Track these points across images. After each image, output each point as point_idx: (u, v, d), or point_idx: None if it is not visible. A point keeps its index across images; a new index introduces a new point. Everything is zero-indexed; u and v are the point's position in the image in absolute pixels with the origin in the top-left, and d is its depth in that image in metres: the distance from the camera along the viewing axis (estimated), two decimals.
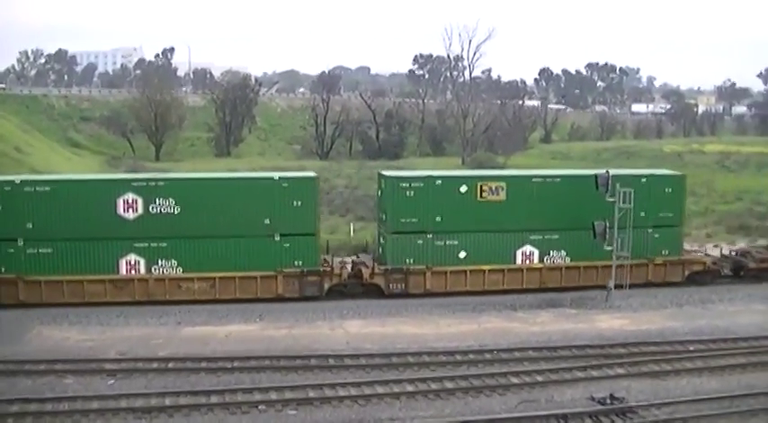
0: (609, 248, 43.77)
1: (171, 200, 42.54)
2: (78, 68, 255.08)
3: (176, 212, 42.63)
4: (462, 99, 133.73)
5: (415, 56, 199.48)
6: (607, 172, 44.35)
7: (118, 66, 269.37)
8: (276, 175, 46.08)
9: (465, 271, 45.60)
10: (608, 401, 28.86)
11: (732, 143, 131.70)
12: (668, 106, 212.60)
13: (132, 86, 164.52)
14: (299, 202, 43.59)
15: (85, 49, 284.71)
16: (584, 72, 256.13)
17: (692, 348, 35.68)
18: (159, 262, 42.92)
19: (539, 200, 46.18)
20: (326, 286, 44.57)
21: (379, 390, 30.29)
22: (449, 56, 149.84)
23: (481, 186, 45.61)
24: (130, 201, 42.24)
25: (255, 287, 43.63)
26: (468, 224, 45.36)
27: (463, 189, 45.44)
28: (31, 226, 41.53)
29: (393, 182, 45.68)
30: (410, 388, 30.54)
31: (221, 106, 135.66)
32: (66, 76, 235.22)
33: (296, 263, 43.86)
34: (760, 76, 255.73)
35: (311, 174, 47.59)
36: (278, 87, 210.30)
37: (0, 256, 41.63)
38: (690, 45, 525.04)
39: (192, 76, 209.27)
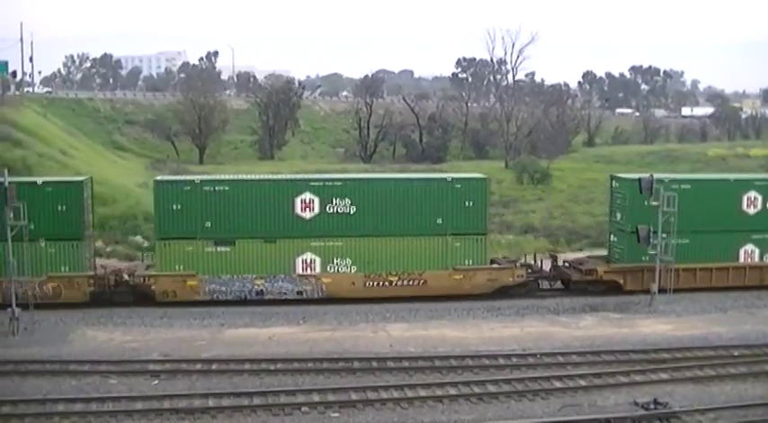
0: (653, 252, 43.56)
1: None
2: (123, 72, 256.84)
3: None
4: (506, 102, 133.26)
5: (458, 59, 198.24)
6: (651, 175, 44.17)
7: (162, 69, 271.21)
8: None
9: None
10: (651, 406, 28.75)
11: None
12: (713, 110, 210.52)
13: (176, 90, 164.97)
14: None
15: (130, 54, 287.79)
16: (627, 75, 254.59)
17: (736, 354, 35.42)
18: None
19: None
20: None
21: (422, 393, 30.36)
22: (492, 59, 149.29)
23: None
24: None
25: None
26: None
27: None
28: None
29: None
30: (453, 391, 30.59)
31: (264, 109, 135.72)
32: (111, 80, 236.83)
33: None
34: None
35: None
36: (321, 91, 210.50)
37: None
38: (735, 48, 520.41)
39: (235, 79, 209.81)
